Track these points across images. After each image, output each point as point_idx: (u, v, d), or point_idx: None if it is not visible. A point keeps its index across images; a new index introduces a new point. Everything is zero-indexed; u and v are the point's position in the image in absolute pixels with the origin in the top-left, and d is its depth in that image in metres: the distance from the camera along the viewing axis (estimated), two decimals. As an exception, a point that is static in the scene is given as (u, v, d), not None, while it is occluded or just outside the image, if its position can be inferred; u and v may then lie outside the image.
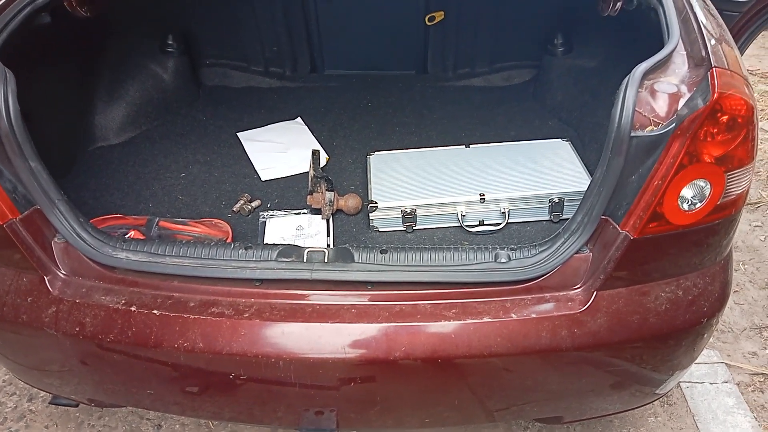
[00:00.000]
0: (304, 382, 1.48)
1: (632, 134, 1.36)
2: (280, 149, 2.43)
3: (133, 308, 1.47)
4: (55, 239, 1.52)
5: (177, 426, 2.24)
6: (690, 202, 1.41)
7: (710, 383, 2.33)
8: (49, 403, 1.93)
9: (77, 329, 1.47)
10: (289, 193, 2.19)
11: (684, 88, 1.40)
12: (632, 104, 1.36)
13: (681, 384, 2.33)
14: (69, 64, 2.21)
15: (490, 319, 1.45)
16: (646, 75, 1.41)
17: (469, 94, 2.78)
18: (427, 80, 2.89)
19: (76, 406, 1.93)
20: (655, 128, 1.36)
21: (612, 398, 1.70)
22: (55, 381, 1.71)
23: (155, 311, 1.46)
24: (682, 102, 1.37)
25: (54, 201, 1.48)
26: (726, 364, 2.41)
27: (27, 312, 1.50)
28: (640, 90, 1.39)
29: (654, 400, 1.94)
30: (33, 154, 1.44)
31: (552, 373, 1.52)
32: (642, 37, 1.68)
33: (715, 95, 1.30)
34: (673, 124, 1.34)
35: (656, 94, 1.40)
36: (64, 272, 1.53)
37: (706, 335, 1.63)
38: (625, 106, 1.36)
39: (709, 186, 1.40)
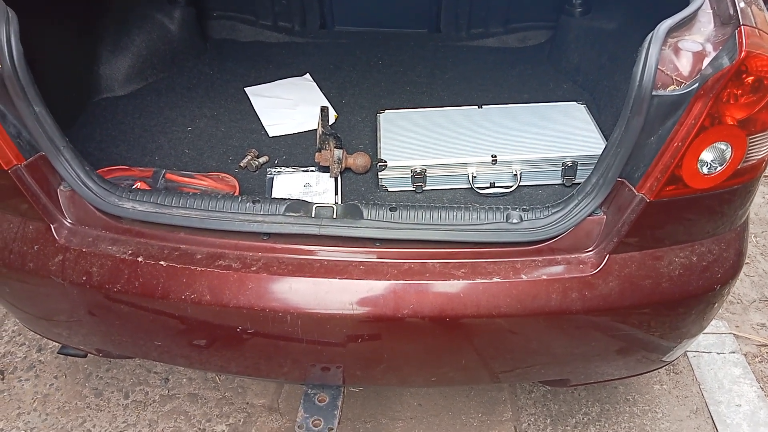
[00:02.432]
0: (310, 337, 1.47)
1: (654, 93, 1.31)
2: (288, 105, 2.39)
3: (139, 259, 1.46)
4: (61, 187, 1.50)
5: (184, 380, 2.26)
6: (709, 166, 1.37)
7: (717, 353, 2.32)
8: (58, 353, 1.95)
9: (84, 278, 1.46)
10: (297, 150, 2.16)
11: (709, 47, 1.35)
12: (655, 62, 1.31)
13: (688, 353, 2.33)
14: (73, 11, 2.15)
15: (499, 280, 1.43)
16: (670, 32, 1.35)
17: (483, 55, 2.71)
18: (440, 39, 2.82)
19: (85, 356, 1.94)
20: (677, 87, 1.32)
21: (618, 363, 1.70)
22: (63, 331, 1.72)
23: (162, 262, 1.45)
24: (706, 61, 1.32)
25: (59, 148, 1.46)
26: (734, 334, 2.40)
27: (33, 260, 1.50)
28: (663, 48, 1.34)
29: (660, 367, 1.94)
30: (37, 98, 1.41)
31: (560, 335, 1.51)
32: None
33: (742, 54, 1.25)
34: (697, 84, 1.29)
35: (680, 52, 1.35)
36: (70, 221, 1.51)
37: (717, 303, 1.61)
38: (648, 64, 1.31)
39: (730, 149, 1.36)
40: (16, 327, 2.45)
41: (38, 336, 2.40)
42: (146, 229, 1.50)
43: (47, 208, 1.49)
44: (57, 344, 2.35)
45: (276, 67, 2.62)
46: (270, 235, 1.47)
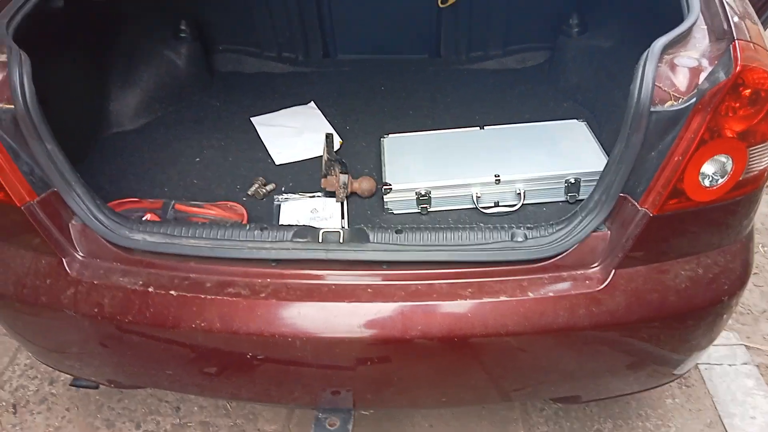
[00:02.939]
0: (320, 361, 1.48)
1: (652, 109, 1.33)
2: (294, 133, 2.43)
3: (150, 289, 1.48)
4: (72, 221, 1.53)
5: (195, 408, 2.26)
6: (711, 179, 1.39)
7: (729, 365, 2.30)
8: (70, 385, 1.96)
9: (96, 310, 1.48)
10: (303, 177, 2.19)
11: (705, 62, 1.37)
12: (652, 79, 1.34)
13: (699, 366, 2.31)
14: (82, 50, 2.21)
15: (506, 298, 1.44)
16: (665, 49, 1.38)
17: (483, 77, 2.75)
18: (440, 64, 2.87)
19: (96, 387, 1.95)
20: (675, 103, 1.34)
21: (629, 378, 1.69)
22: (75, 363, 1.73)
23: (172, 292, 1.47)
24: (703, 76, 1.34)
25: (71, 183, 1.49)
26: (745, 345, 2.38)
27: (46, 294, 1.52)
28: (659, 64, 1.36)
29: (672, 381, 1.93)
30: (49, 136, 1.45)
31: (569, 352, 1.52)
32: (658, 16, 1.65)
33: (738, 68, 1.27)
34: (694, 99, 1.31)
35: (676, 68, 1.37)
36: (81, 254, 1.54)
37: (725, 315, 1.60)
38: (645, 81, 1.33)
39: (730, 161, 1.37)
40: (28, 360, 2.46)
41: (50, 369, 2.41)
42: (156, 259, 1.52)
43: (59, 243, 1.52)
44: (69, 377, 2.36)
45: (281, 96, 2.67)
46: (278, 262, 1.49)
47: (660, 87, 1.35)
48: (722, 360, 2.33)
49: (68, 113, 2.05)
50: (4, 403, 2.30)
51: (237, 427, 2.20)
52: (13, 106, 1.41)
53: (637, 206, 1.40)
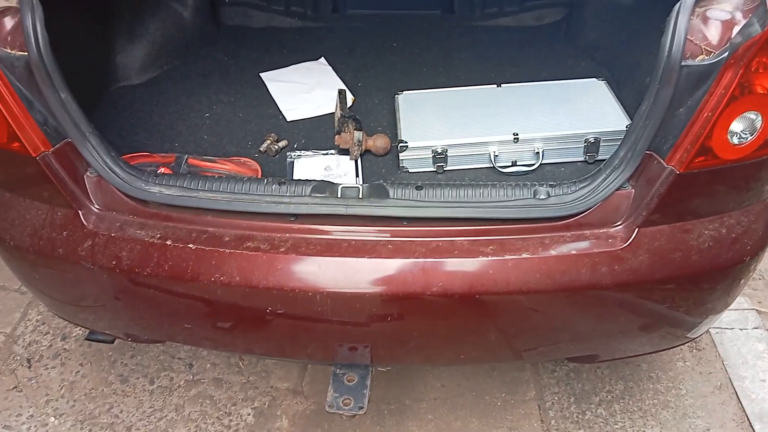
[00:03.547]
0: (340, 317, 1.48)
1: (683, 63, 1.30)
2: (305, 90, 2.38)
3: (168, 242, 1.46)
4: (88, 173, 1.51)
5: (208, 365, 2.28)
6: (739, 136, 1.36)
7: (740, 329, 2.31)
8: (86, 339, 1.97)
9: (113, 263, 1.47)
10: (316, 134, 2.15)
11: (739, 15, 1.33)
12: (684, 32, 1.29)
13: (710, 330, 2.32)
14: (90, 1, 2.15)
15: (528, 256, 1.43)
16: (698, 1, 1.34)
17: (498, 35, 2.69)
18: (454, 20, 2.80)
19: (112, 342, 1.96)
20: (707, 57, 1.30)
21: (644, 339, 1.70)
22: (91, 316, 1.73)
23: (191, 245, 1.45)
24: (736, 29, 1.30)
25: (85, 134, 1.46)
26: (756, 310, 2.39)
27: (63, 246, 1.51)
28: (691, 17, 1.32)
29: (684, 344, 1.94)
30: (63, 84, 1.41)
31: (590, 311, 1.51)
32: None
33: (774, 21, 1.23)
34: (726, 53, 1.27)
35: (708, 21, 1.33)
36: (97, 206, 1.52)
37: (744, 278, 1.60)
38: (677, 34, 1.29)
39: (760, 119, 1.35)
40: (39, 316, 2.47)
41: (62, 324, 2.43)
42: (173, 213, 1.50)
43: (75, 194, 1.50)
44: (81, 332, 2.38)
45: (290, 52, 2.61)
46: (297, 216, 1.47)
47: (691, 41, 1.31)
48: (733, 324, 2.34)
49: (76, 65, 1.99)
50: (18, 358, 2.32)
51: (250, 384, 2.22)
52: (26, 53, 1.37)
53: (664, 164, 1.37)
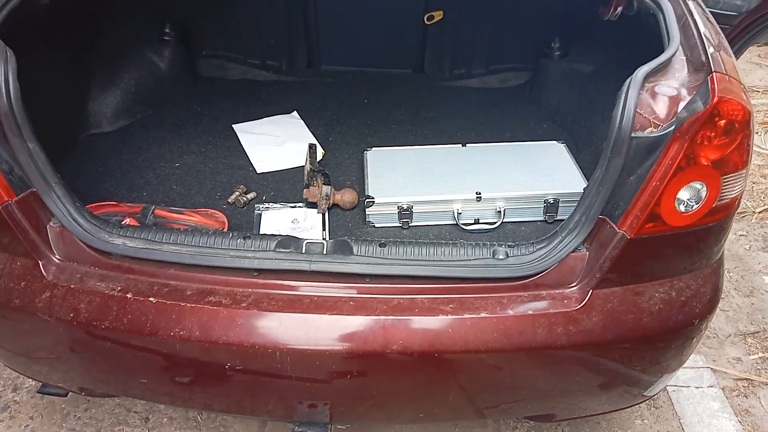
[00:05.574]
0: (299, 374, 1.47)
1: (632, 135, 1.38)
2: (276, 142, 2.42)
3: (129, 295, 1.45)
4: (51, 223, 1.50)
5: (165, 419, 2.22)
6: (686, 204, 1.43)
7: (696, 387, 2.36)
8: (37, 392, 1.91)
9: (71, 315, 1.45)
10: (285, 186, 2.19)
11: (684, 92, 1.43)
12: (633, 105, 1.38)
13: (667, 388, 2.35)
14: (65, 48, 2.18)
15: (487, 315, 1.46)
16: (647, 77, 1.43)
17: (465, 95, 2.80)
18: (424, 79, 2.90)
19: (65, 395, 1.90)
20: (655, 130, 1.38)
21: (602, 398, 1.72)
22: (44, 368, 1.69)
23: (151, 299, 1.45)
24: (681, 105, 1.39)
25: (51, 184, 1.46)
26: (711, 368, 2.45)
27: (20, 296, 1.48)
28: (641, 92, 1.41)
29: (642, 402, 1.96)
30: (31, 135, 1.42)
31: (546, 370, 1.54)
32: (639, 43, 1.70)
33: (715, 99, 1.32)
34: (673, 126, 1.36)
35: (657, 96, 1.42)
36: (58, 257, 1.51)
37: (696, 338, 1.65)
38: (627, 107, 1.38)
39: (705, 188, 1.42)
40: (-10, 366, 2.38)
41: (13, 376, 2.34)
42: (136, 265, 1.50)
43: (36, 245, 1.49)
44: (32, 384, 2.30)
45: (264, 104, 2.67)
46: (260, 271, 1.48)
47: (641, 114, 1.39)
48: (689, 382, 2.38)
49: (47, 112, 2.01)
50: (-36, 409, 2.22)
51: (207, 439, 2.16)
52: (-4, 104, 1.38)
53: (616, 228, 1.43)
